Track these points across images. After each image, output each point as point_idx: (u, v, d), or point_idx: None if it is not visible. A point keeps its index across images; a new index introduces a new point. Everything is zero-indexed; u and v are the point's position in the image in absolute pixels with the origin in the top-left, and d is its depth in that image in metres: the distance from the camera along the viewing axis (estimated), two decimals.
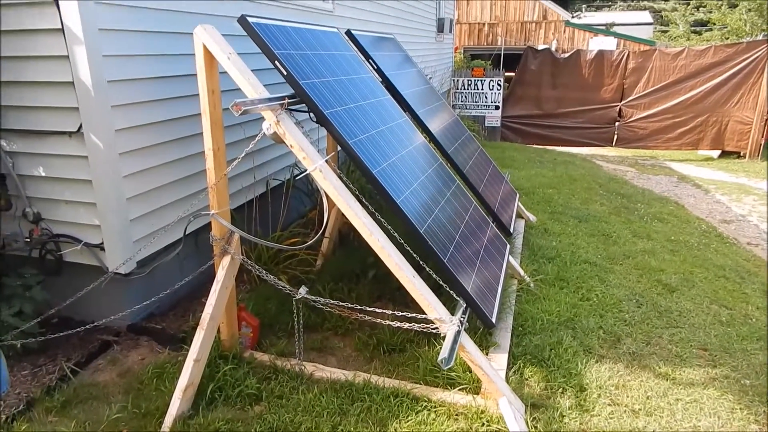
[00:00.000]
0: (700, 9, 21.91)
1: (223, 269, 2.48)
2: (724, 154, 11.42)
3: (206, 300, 2.46)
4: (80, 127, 2.64)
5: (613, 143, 12.29)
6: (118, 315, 2.70)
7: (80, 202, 2.82)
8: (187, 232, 2.91)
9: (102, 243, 2.85)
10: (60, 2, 2.44)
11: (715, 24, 19.45)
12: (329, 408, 2.40)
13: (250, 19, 2.50)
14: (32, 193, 2.87)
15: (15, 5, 2.52)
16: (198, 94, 2.39)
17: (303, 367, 2.68)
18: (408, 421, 2.33)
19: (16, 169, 2.82)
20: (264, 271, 2.60)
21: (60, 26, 2.48)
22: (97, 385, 2.60)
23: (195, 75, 2.39)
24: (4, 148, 2.77)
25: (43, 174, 2.82)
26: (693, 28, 23.12)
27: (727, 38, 17.42)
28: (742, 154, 11.16)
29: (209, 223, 2.56)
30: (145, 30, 2.84)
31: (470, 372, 2.51)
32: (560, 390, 2.60)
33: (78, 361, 2.76)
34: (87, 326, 2.73)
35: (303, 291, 2.54)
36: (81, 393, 2.53)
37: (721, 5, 18.97)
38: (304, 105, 2.56)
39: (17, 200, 2.87)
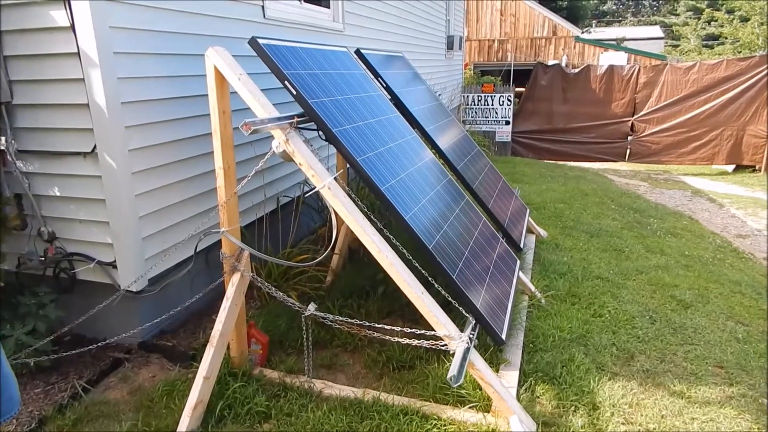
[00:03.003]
0: (712, 23, 21.86)
1: (233, 286, 2.50)
2: (739, 168, 11.31)
3: (216, 317, 2.47)
4: (94, 147, 2.70)
5: (626, 158, 12.23)
6: (129, 332, 2.73)
7: (94, 221, 2.86)
8: (197, 250, 2.95)
9: (114, 261, 2.89)
10: (76, 27, 2.51)
11: (727, 38, 19.40)
12: (338, 426, 2.38)
13: (260, 41, 2.56)
14: (47, 212, 2.93)
15: (33, 31, 2.60)
16: (209, 114, 2.44)
17: (312, 385, 2.67)
18: None
19: (32, 189, 2.88)
20: (273, 288, 2.62)
21: (76, 50, 2.55)
22: (108, 403, 2.62)
23: (206, 95, 2.44)
24: (20, 169, 2.84)
25: (58, 194, 2.88)
26: (704, 42, 23.08)
27: (740, 52, 17.34)
28: (757, 168, 11.04)
29: (220, 241, 2.58)
30: (158, 53, 2.91)
31: (480, 389, 2.49)
32: (572, 408, 2.56)
33: (90, 379, 2.78)
34: (99, 344, 2.76)
35: (312, 308, 2.55)
36: (92, 411, 2.55)
37: (733, 19, 18.92)
38: (313, 123, 2.60)
39: (32, 220, 2.93)
